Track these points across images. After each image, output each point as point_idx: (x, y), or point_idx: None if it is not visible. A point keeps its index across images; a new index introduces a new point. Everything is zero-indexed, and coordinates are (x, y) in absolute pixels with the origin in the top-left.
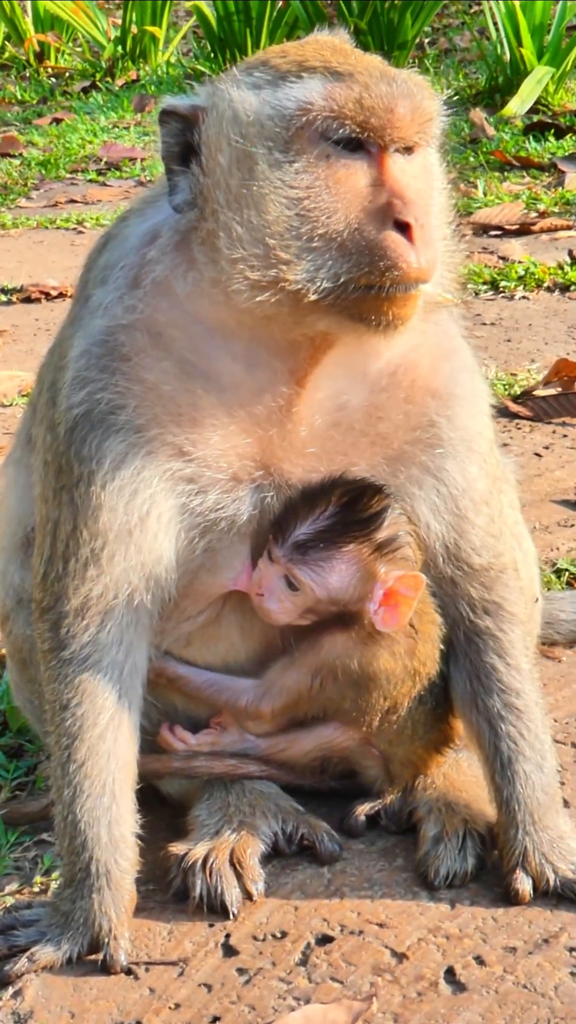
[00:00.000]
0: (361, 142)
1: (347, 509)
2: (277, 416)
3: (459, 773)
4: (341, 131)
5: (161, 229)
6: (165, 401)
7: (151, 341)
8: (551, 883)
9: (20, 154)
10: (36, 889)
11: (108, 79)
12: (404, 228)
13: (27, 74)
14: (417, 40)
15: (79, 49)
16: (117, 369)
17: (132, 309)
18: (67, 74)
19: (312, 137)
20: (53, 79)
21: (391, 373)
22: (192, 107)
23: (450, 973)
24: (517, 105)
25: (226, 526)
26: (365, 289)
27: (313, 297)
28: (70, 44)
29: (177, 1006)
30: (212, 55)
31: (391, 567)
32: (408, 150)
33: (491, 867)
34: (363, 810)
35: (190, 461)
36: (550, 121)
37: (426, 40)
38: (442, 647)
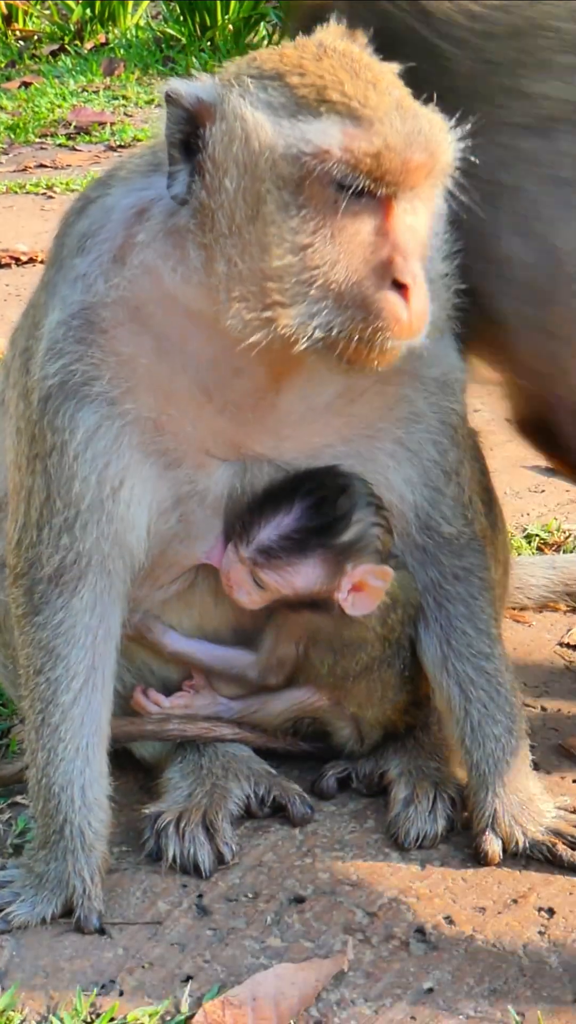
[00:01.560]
0: (372, 191)
1: (311, 513)
2: (252, 398)
3: (429, 736)
4: (355, 182)
5: (151, 208)
6: (141, 374)
7: (129, 315)
8: (520, 844)
9: None
10: (10, 851)
11: (77, 42)
12: (401, 287)
13: None
14: None
15: (47, 12)
16: (94, 341)
17: (116, 287)
18: (35, 37)
19: (324, 180)
20: (21, 42)
21: None
22: (198, 102)
23: (420, 932)
24: None
25: (199, 499)
26: (354, 339)
27: (304, 344)
28: (38, 7)
29: (151, 965)
30: (181, 18)
31: (358, 562)
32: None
33: (461, 828)
34: (334, 772)
35: (164, 434)
36: None
37: None
38: (412, 612)
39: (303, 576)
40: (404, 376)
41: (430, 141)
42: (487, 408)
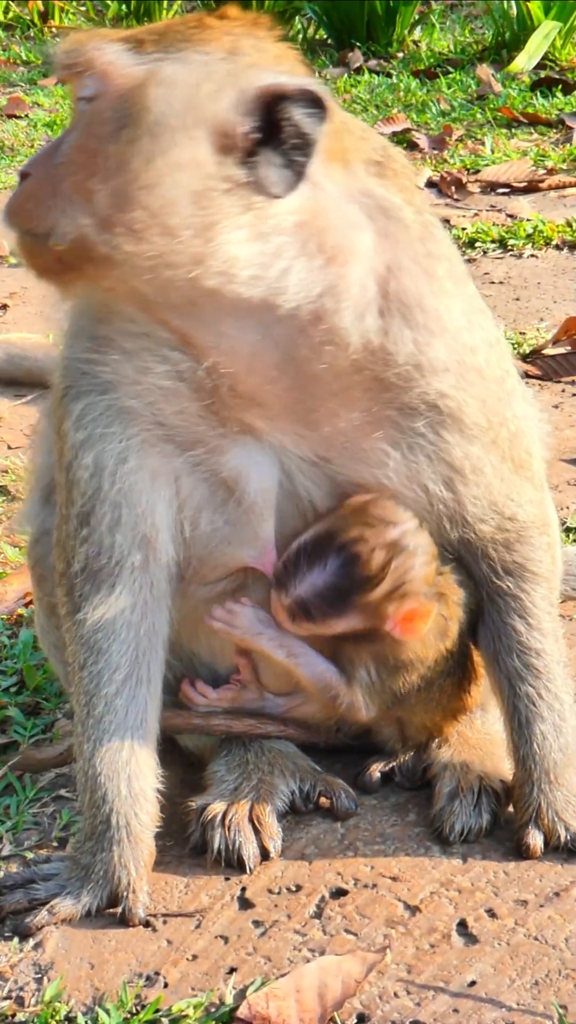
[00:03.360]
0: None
1: (344, 572)
2: (205, 378)
3: (473, 731)
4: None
5: None
6: (124, 371)
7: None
8: (562, 839)
9: (26, 115)
10: (55, 844)
11: None
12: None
13: (31, 34)
14: None
15: (83, 8)
16: (89, 341)
17: None
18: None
19: None
20: (58, 39)
21: (311, 321)
22: None
23: (462, 925)
24: (524, 61)
25: (227, 493)
26: None
27: None
28: (74, 3)
29: (195, 957)
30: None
31: (400, 605)
32: (90, 98)
33: (503, 823)
34: (377, 767)
35: (158, 425)
36: (557, 77)
37: None
38: (472, 616)
39: (345, 623)
40: (376, 362)
41: (70, 45)
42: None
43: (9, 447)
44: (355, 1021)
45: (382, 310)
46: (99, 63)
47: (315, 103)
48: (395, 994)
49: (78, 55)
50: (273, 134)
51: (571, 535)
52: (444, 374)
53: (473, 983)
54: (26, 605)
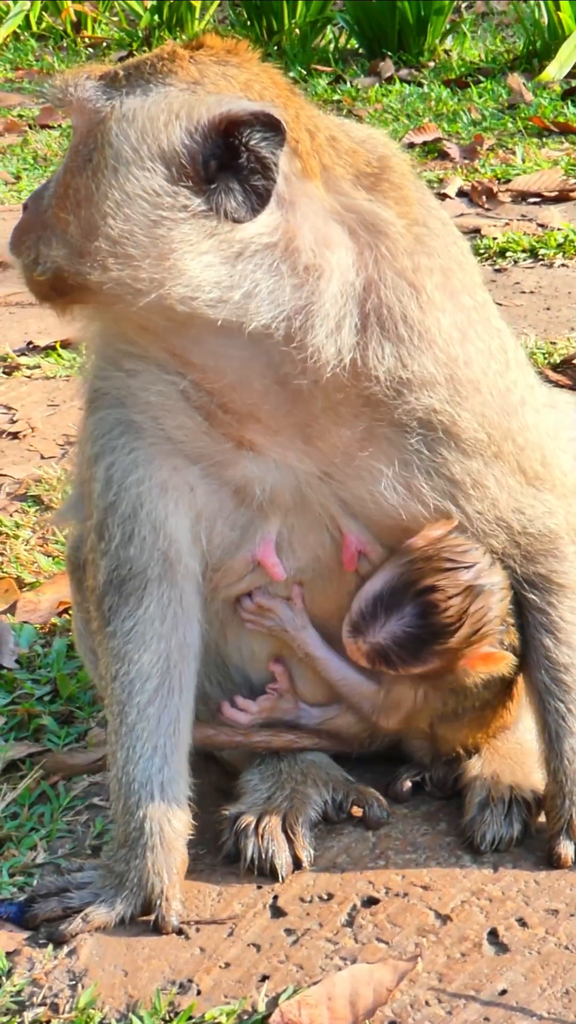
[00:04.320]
0: None
1: (422, 621)
2: (193, 395)
3: (504, 740)
4: None
5: None
6: (129, 387)
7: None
8: None
9: (59, 125)
10: (88, 852)
11: (145, 48)
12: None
13: (64, 44)
14: (454, 3)
15: (116, 19)
16: (103, 359)
17: None
18: (104, 44)
19: None
20: (90, 49)
21: (285, 339)
22: None
23: (493, 934)
24: (555, 70)
25: (228, 501)
26: None
27: None
28: (107, 14)
29: (227, 965)
30: (248, 23)
31: (477, 648)
32: (73, 134)
33: (534, 832)
34: (408, 776)
35: (165, 440)
36: None
37: (463, 4)
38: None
39: (422, 667)
40: (357, 378)
41: (57, 83)
42: None
43: (42, 456)
44: None
45: (359, 326)
46: (75, 100)
47: (272, 127)
48: (426, 1002)
49: (60, 92)
50: (232, 161)
51: None
52: (434, 388)
53: (504, 992)
54: (59, 615)
